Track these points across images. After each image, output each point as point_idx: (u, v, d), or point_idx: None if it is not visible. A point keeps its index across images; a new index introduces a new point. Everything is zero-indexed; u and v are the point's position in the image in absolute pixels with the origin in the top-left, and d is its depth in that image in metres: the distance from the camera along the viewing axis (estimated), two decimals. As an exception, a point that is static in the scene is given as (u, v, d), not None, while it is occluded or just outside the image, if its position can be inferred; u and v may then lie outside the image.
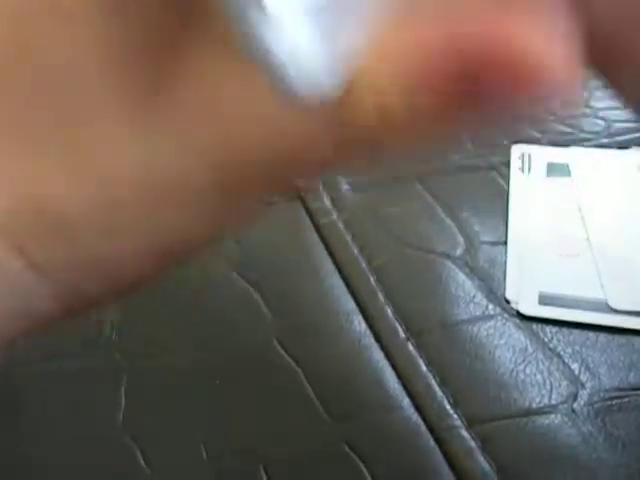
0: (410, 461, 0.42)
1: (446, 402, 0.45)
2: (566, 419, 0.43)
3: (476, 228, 0.58)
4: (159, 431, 0.45)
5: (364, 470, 0.42)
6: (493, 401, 0.45)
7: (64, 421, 0.45)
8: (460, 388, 0.46)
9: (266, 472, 0.41)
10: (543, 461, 0.41)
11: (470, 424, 0.44)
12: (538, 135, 0.68)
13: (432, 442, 0.43)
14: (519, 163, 0.65)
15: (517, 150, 0.66)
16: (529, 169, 0.64)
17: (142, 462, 0.43)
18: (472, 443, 0.43)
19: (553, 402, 0.44)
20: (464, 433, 0.43)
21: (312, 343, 0.49)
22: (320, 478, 0.42)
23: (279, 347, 0.49)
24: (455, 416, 0.44)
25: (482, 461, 0.41)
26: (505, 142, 0.67)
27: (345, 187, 0.63)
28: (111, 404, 0.46)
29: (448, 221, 0.59)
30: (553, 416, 0.44)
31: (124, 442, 0.44)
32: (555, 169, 0.64)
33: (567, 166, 0.64)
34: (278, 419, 0.45)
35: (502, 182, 0.63)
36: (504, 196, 0.61)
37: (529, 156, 0.65)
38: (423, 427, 0.44)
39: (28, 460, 0.44)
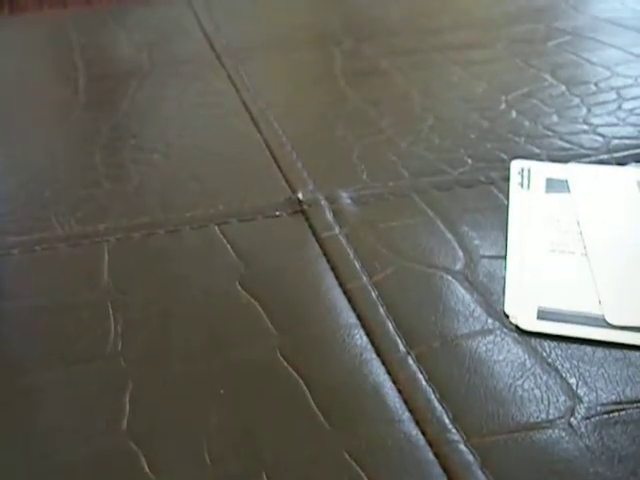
0: (409, 474, 0.43)
1: (445, 417, 0.46)
2: (564, 433, 0.44)
3: (476, 242, 0.59)
4: (163, 437, 0.45)
5: (365, 478, 0.42)
6: (492, 416, 0.46)
7: (68, 426, 0.46)
8: (459, 403, 0.47)
9: (268, 477, 0.42)
10: (541, 475, 0.42)
11: (469, 438, 0.44)
12: (537, 151, 0.69)
13: (431, 456, 0.44)
14: (518, 178, 0.66)
15: (516, 165, 0.67)
16: (528, 185, 0.65)
17: (146, 467, 0.44)
18: (471, 457, 0.43)
19: (551, 417, 0.45)
20: (463, 447, 0.44)
21: (314, 356, 0.50)
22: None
23: (282, 359, 0.50)
24: (454, 430, 0.45)
25: (480, 475, 0.42)
26: (504, 157, 0.68)
27: (347, 201, 0.64)
28: (115, 410, 0.47)
29: (448, 235, 0.60)
30: (551, 431, 0.44)
31: (128, 448, 0.45)
32: (554, 185, 0.65)
33: (566, 182, 0.65)
34: (280, 427, 0.46)
35: (501, 197, 0.64)
36: (504, 211, 0.62)
37: (528, 171, 0.66)
38: (422, 441, 0.44)
39: (37, 461, 0.44)
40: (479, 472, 0.42)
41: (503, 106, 0.79)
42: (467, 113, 0.78)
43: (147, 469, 0.44)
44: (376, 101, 0.81)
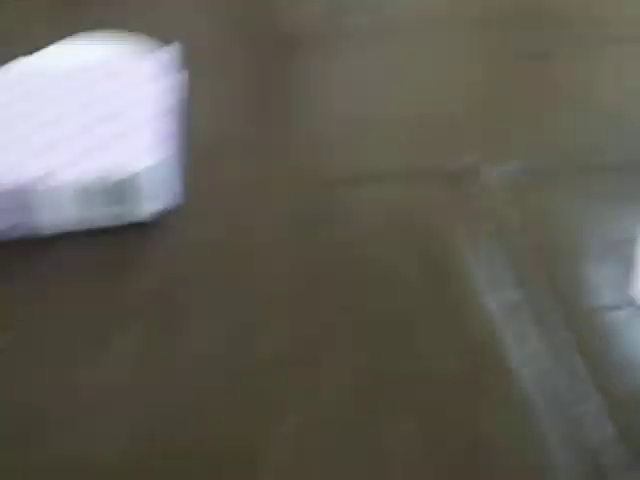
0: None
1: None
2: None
3: (623, 218, 0.61)
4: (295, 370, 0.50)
5: (484, 433, 0.46)
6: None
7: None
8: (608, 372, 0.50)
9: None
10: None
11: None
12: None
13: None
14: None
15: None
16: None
17: (275, 399, 0.48)
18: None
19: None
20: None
21: (459, 313, 0.55)
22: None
23: (430, 303, 0.55)
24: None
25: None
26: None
27: (510, 169, 0.67)
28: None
29: (598, 209, 0.63)
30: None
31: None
32: None
33: None
34: (413, 382, 0.49)
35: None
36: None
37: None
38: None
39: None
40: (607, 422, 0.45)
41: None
42: (634, 105, 0.79)
43: (276, 400, 0.48)
44: (543, 85, 0.83)
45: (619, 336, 0.51)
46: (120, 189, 0.60)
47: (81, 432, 0.47)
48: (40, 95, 0.72)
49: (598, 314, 0.53)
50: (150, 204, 0.61)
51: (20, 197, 0.60)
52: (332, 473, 0.44)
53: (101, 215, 0.61)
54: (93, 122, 0.67)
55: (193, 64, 0.83)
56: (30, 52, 0.81)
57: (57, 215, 0.61)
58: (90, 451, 0.46)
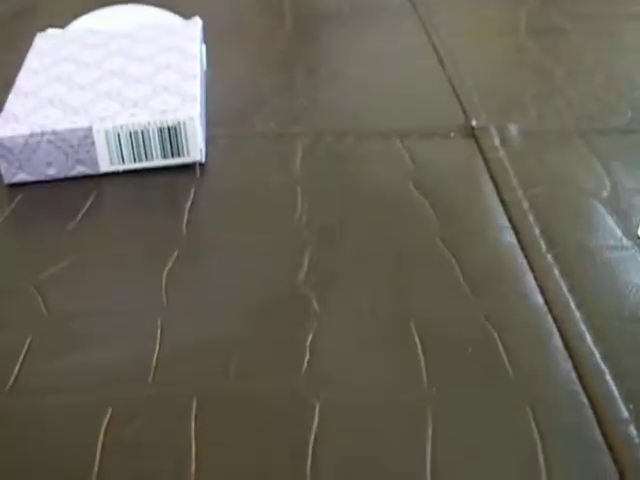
0: (531, 336, 0.52)
1: (572, 302, 0.54)
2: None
3: (623, 177, 0.67)
4: (332, 289, 0.55)
5: (495, 334, 0.52)
6: (614, 306, 0.54)
7: (257, 272, 0.57)
8: (586, 292, 0.55)
9: (415, 325, 0.52)
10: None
11: (589, 318, 0.53)
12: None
13: (554, 327, 0.52)
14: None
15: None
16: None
17: (316, 306, 0.54)
18: (587, 333, 0.52)
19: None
20: (583, 323, 0.53)
21: (468, 245, 0.59)
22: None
23: (441, 244, 0.59)
24: (577, 310, 0.54)
25: (597, 355, 0.51)
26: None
27: (514, 132, 0.73)
28: (295, 265, 0.58)
29: (599, 169, 0.68)
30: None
31: (303, 293, 0.55)
32: None
33: None
34: (431, 292, 0.55)
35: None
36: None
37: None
38: (549, 316, 0.53)
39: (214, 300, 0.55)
40: (592, 345, 0.51)
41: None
42: (636, 74, 0.85)
43: (316, 309, 0.54)
44: (554, 56, 0.89)
45: (623, 274, 0.57)
46: (169, 133, 0.67)
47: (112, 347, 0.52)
48: (98, 50, 0.78)
49: (597, 254, 0.58)
50: (194, 150, 0.68)
51: (81, 137, 0.66)
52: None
53: (151, 156, 0.68)
54: (146, 74, 0.74)
55: (213, 39, 0.89)
56: (59, 25, 0.88)
57: (113, 155, 0.67)
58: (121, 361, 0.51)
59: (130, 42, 0.81)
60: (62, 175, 0.67)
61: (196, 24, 0.85)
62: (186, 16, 0.92)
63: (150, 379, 0.49)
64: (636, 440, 0.44)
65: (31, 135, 0.65)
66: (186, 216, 0.63)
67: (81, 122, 0.67)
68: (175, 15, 0.92)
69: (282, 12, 1.03)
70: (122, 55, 0.78)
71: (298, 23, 0.99)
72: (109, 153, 0.67)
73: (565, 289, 0.55)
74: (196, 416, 0.46)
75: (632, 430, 0.45)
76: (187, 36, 0.82)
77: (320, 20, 1.00)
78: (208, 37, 0.89)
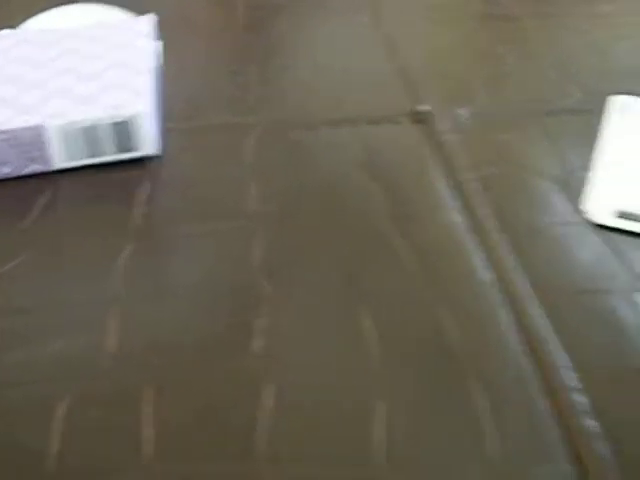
0: (479, 316, 0.53)
1: (521, 277, 0.55)
2: (622, 301, 0.53)
3: (572, 156, 0.68)
4: (286, 266, 0.56)
5: (446, 313, 0.52)
6: (560, 277, 0.55)
7: (207, 261, 0.58)
8: (535, 268, 0.57)
9: (366, 308, 0.53)
10: (595, 327, 0.52)
11: (535, 290, 0.54)
12: (641, 91, 0.77)
13: (504, 302, 0.53)
14: (618, 110, 0.74)
15: (618, 99, 0.75)
16: (626, 116, 0.73)
17: (270, 291, 0.55)
18: (537, 306, 0.53)
19: (611, 287, 0.55)
20: (530, 299, 0.54)
21: (417, 224, 0.60)
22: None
23: (391, 227, 0.60)
24: (526, 285, 0.55)
25: (544, 318, 0.52)
26: (610, 93, 0.77)
27: (465, 116, 0.74)
28: (248, 248, 0.58)
29: (549, 149, 0.69)
30: (610, 296, 0.54)
31: (256, 278, 0.56)
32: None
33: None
34: (380, 272, 0.56)
35: (601, 124, 0.72)
36: (601, 134, 0.71)
37: (628, 104, 0.75)
38: (499, 291, 0.54)
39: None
40: (542, 318, 0.52)
41: (618, 52, 0.87)
42: (584, 56, 0.86)
43: (270, 293, 0.55)
44: (504, 41, 0.90)
45: (573, 249, 0.58)
46: (122, 128, 0.67)
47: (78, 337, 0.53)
48: (50, 49, 0.78)
49: (547, 231, 0.60)
50: (147, 143, 0.68)
51: (33, 135, 0.66)
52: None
53: (105, 151, 0.68)
54: (97, 71, 0.74)
55: (166, 35, 0.90)
56: (10, 26, 0.88)
57: (67, 152, 0.67)
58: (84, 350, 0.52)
59: (82, 40, 0.81)
60: (16, 173, 0.68)
61: (147, 21, 0.85)
62: (139, 13, 0.92)
63: (105, 367, 0.49)
64: (584, 407, 0.45)
65: (-17, 134, 0.66)
66: (141, 209, 0.63)
67: (33, 120, 0.67)
68: (127, 12, 0.92)
69: (234, 4, 1.03)
70: (74, 53, 0.78)
71: (250, 14, 1.00)
72: (62, 150, 0.67)
73: (515, 265, 0.56)
74: (152, 400, 0.47)
75: (580, 397, 0.46)
76: (138, 32, 0.82)
77: (272, 11, 1.01)
78: (161, 33, 0.90)
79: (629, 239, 0.59)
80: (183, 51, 0.89)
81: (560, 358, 0.49)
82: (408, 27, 0.94)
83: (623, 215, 0.60)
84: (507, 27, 0.93)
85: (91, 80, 0.72)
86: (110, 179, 0.68)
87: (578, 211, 0.61)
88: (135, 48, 0.78)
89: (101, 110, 0.68)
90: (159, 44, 0.86)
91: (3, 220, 0.63)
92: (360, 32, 0.92)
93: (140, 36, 0.80)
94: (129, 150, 0.69)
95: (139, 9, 0.94)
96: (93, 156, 0.68)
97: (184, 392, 0.47)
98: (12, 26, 0.87)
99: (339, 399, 0.46)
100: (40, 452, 0.44)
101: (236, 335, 0.51)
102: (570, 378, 0.47)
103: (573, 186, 0.64)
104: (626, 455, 0.43)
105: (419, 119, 0.74)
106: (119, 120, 0.67)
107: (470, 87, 0.80)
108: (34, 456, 0.44)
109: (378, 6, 0.98)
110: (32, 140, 0.66)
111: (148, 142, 0.69)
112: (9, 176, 0.68)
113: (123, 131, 0.68)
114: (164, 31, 0.90)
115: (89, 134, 0.67)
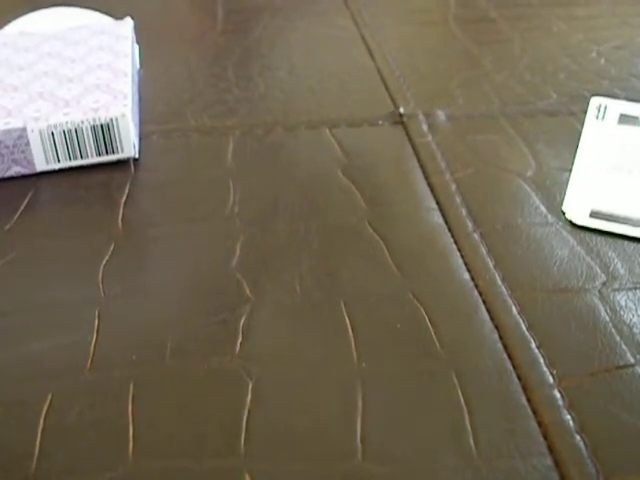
0: (458, 309, 0.53)
1: (497, 276, 0.56)
2: (595, 299, 0.54)
3: (548, 157, 0.69)
4: (264, 272, 0.57)
5: (423, 311, 0.53)
6: (536, 278, 0.56)
7: (187, 261, 0.58)
8: (510, 267, 0.57)
9: (345, 304, 0.53)
10: (568, 326, 0.52)
11: (512, 292, 0.55)
12: (618, 92, 0.78)
13: (480, 301, 0.54)
14: (595, 112, 0.75)
15: (595, 101, 0.76)
16: (603, 117, 0.74)
17: (248, 291, 0.55)
18: (512, 305, 0.54)
19: (587, 286, 0.55)
20: (506, 297, 0.55)
21: (396, 226, 0.61)
22: (388, 316, 0.54)
23: (369, 226, 0.61)
24: (502, 286, 0.56)
25: (518, 318, 0.52)
26: (587, 95, 0.78)
27: (442, 117, 0.75)
28: (228, 252, 0.59)
29: (525, 150, 0.70)
30: (584, 296, 0.54)
31: (236, 278, 0.57)
32: (626, 119, 0.74)
33: (637, 118, 0.74)
34: (360, 273, 0.56)
35: (578, 126, 0.73)
36: (578, 136, 0.72)
37: (605, 107, 0.76)
38: (476, 292, 0.55)
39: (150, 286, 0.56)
40: (518, 316, 0.53)
41: (594, 54, 0.88)
42: (560, 58, 0.87)
43: (249, 293, 0.56)
44: (481, 43, 0.91)
45: (548, 249, 0.59)
46: (103, 130, 0.68)
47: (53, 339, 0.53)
48: (30, 52, 0.79)
49: (523, 231, 0.60)
50: (127, 146, 0.69)
51: (15, 138, 0.67)
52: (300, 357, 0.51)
53: (86, 154, 0.69)
54: (77, 74, 0.75)
55: (145, 38, 0.90)
56: None
57: (48, 154, 0.68)
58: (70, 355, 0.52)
59: (62, 43, 0.82)
60: (-2, 176, 0.68)
61: (127, 24, 0.86)
62: (118, 17, 0.93)
63: (88, 366, 0.50)
64: (559, 402, 0.46)
65: (-36, 137, 0.66)
66: (122, 211, 0.64)
67: (15, 123, 0.67)
68: (107, 16, 0.93)
69: (214, 7, 1.04)
70: (54, 56, 0.79)
71: (230, 17, 1.01)
72: (44, 152, 0.68)
73: (491, 265, 0.57)
74: (133, 397, 0.47)
75: (555, 393, 0.47)
76: (118, 35, 0.83)
77: (252, 13, 1.02)
78: (140, 36, 0.91)
79: (604, 239, 0.59)
80: (163, 54, 0.90)
81: (536, 355, 0.50)
82: (387, 30, 0.95)
83: (598, 215, 0.61)
84: (484, 29, 0.94)
85: (72, 83, 0.73)
86: (91, 181, 0.68)
87: (554, 211, 0.62)
88: (115, 51, 0.79)
89: (81, 113, 0.68)
90: (138, 47, 0.86)
91: (-15, 222, 0.64)
92: (339, 35, 0.93)
93: (120, 39, 0.81)
94: (110, 153, 0.69)
95: (119, 13, 0.94)
96: (75, 159, 0.69)
97: (165, 390, 0.47)
98: (-8, 30, 0.88)
99: (320, 396, 0.47)
100: (23, 453, 0.44)
101: (216, 334, 0.52)
102: (546, 374, 0.48)
103: (549, 187, 0.65)
104: (601, 448, 0.44)
105: (398, 121, 0.75)
106: (99, 123, 0.68)
107: (448, 89, 0.81)
108: (17, 457, 0.44)
109: (357, 9, 1.00)
110: (14, 143, 0.67)
111: (128, 145, 0.69)
112: (-9, 179, 0.68)
113: (104, 134, 0.68)
114: (144, 34, 0.90)
115: (70, 137, 0.68)
